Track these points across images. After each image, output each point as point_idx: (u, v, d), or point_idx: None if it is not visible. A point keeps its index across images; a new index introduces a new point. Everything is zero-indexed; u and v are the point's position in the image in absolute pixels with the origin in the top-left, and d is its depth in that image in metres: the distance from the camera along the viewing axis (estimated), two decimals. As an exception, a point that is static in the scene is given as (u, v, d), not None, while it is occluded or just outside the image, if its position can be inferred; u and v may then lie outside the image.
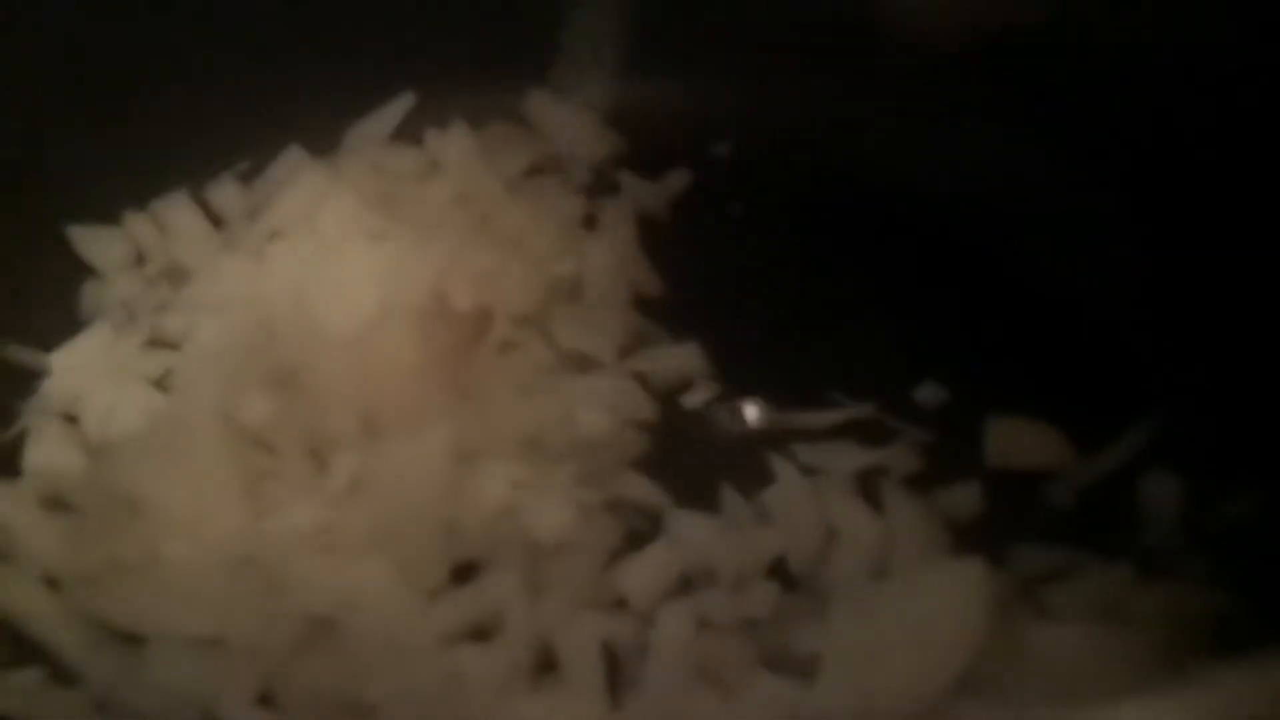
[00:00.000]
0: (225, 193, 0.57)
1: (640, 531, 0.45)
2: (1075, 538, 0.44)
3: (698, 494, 0.46)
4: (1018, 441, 0.47)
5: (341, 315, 0.47)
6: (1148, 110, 0.50)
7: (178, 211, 0.56)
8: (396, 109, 0.60)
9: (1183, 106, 0.48)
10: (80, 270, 0.54)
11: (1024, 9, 0.53)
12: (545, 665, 0.41)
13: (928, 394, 0.49)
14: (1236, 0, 0.46)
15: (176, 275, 0.54)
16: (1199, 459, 0.44)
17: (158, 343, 0.51)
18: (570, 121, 0.61)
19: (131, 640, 0.41)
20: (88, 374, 0.49)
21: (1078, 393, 0.48)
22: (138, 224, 0.55)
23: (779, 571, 0.44)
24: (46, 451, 0.47)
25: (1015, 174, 0.54)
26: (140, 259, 0.55)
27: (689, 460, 0.48)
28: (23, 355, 0.50)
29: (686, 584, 0.43)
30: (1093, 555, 0.43)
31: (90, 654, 0.41)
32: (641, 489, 0.46)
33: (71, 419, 0.48)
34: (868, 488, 0.46)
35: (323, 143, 0.59)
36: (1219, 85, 0.47)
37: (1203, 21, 0.47)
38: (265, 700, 0.40)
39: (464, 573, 0.43)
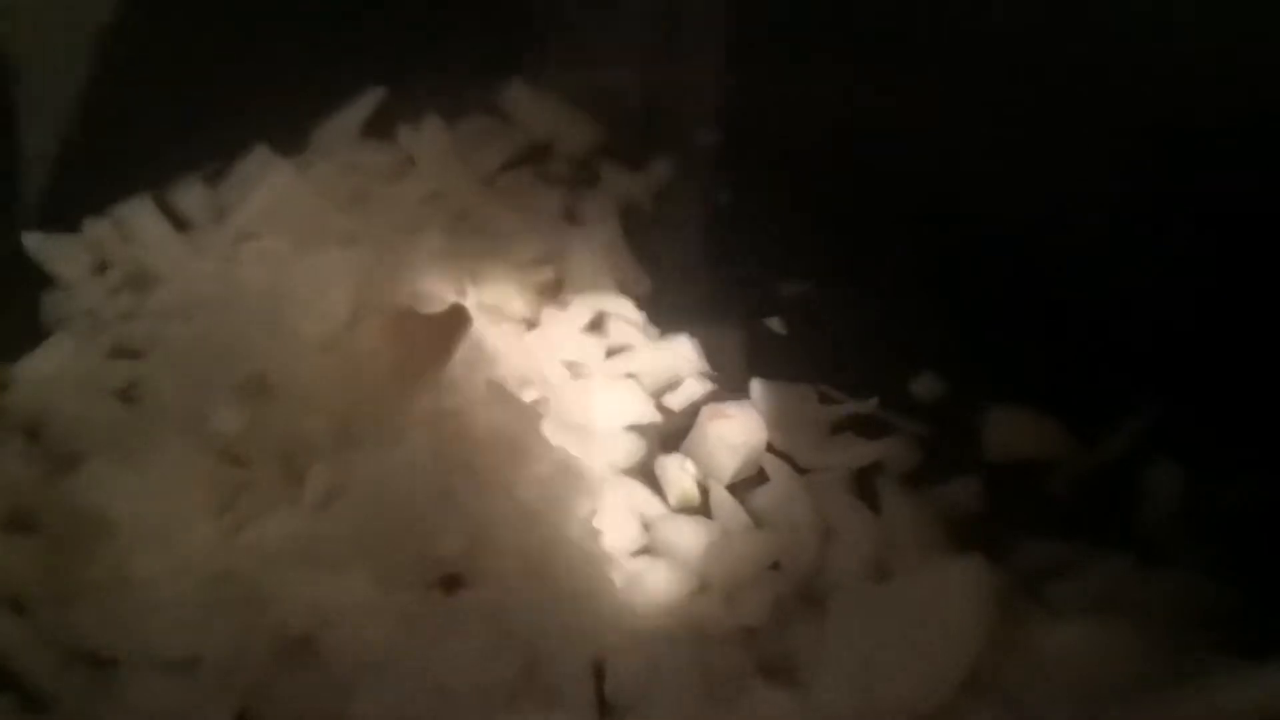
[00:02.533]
0: (190, 195, 0.57)
1: (632, 539, 0.45)
2: (1076, 530, 0.44)
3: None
4: (1017, 433, 0.47)
5: (313, 319, 0.46)
6: (1143, 95, 0.50)
7: (141, 216, 0.55)
8: (367, 104, 0.60)
9: (1180, 91, 0.48)
10: (40, 280, 0.53)
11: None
12: (533, 678, 0.40)
13: (925, 387, 0.49)
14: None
15: (141, 282, 0.53)
16: (1200, 447, 0.44)
17: (123, 353, 0.50)
18: (549, 112, 0.61)
19: (103, 663, 0.41)
20: (51, 387, 0.49)
21: (1077, 382, 0.48)
22: (99, 230, 0.55)
23: (775, 576, 0.43)
24: (9, 469, 0.46)
25: (1011, 163, 0.54)
26: (103, 266, 0.54)
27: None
28: (-18, 369, 0.49)
29: (681, 592, 0.43)
30: (1094, 548, 0.43)
31: (61, 679, 0.41)
32: (633, 494, 0.46)
33: (35, 434, 0.48)
34: (864, 485, 0.46)
35: (291, 141, 0.59)
36: (1221, 75, 0.47)
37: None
38: (243, 722, 0.40)
39: (447, 585, 0.43)
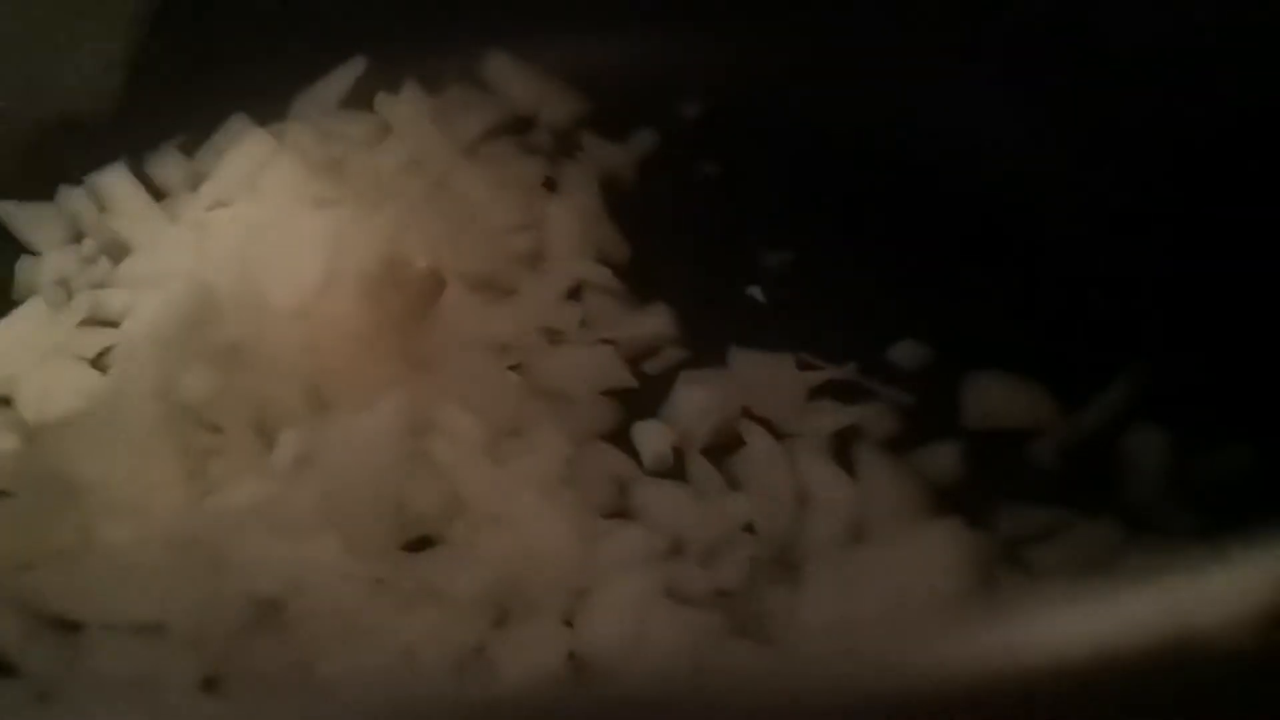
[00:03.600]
0: (167, 164, 0.57)
1: (607, 502, 0.45)
2: (1059, 497, 0.44)
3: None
4: (998, 399, 0.47)
5: (286, 285, 0.46)
6: (1130, 60, 0.50)
7: (116, 185, 0.55)
8: (347, 74, 0.60)
9: (1170, 58, 0.48)
10: (14, 247, 0.53)
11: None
12: (504, 639, 0.40)
13: (905, 353, 0.49)
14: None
15: (115, 251, 0.53)
16: (1184, 413, 0.44)
17: (95, 321, 0.50)
18: (530, 82, 0.61)
19: (71, 628, 0.41)
20: (22, 354, 0.49)
21: (1059, 347, 0.48)
22: (74, 199, 0.55)
23: (750, 539, 0.43)
24: (-22, 435, 0.46)
25: (993, 127, 0.54)
26: (77, 235, 0.54)
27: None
28: (-47, 336, 0.49)
29: (656, 555, 0.43)
30: (1078, 514, 0.43)
31: (28, 644, 0.41)
32: (608, 458, 0.46)
33: (5, 401, 0.48)
34: (842, 451, 0.46)
35: (270, 111, 0.58)
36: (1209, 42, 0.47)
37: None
38: (211, 686, 0.40)
39: (416, 549, 0.43)
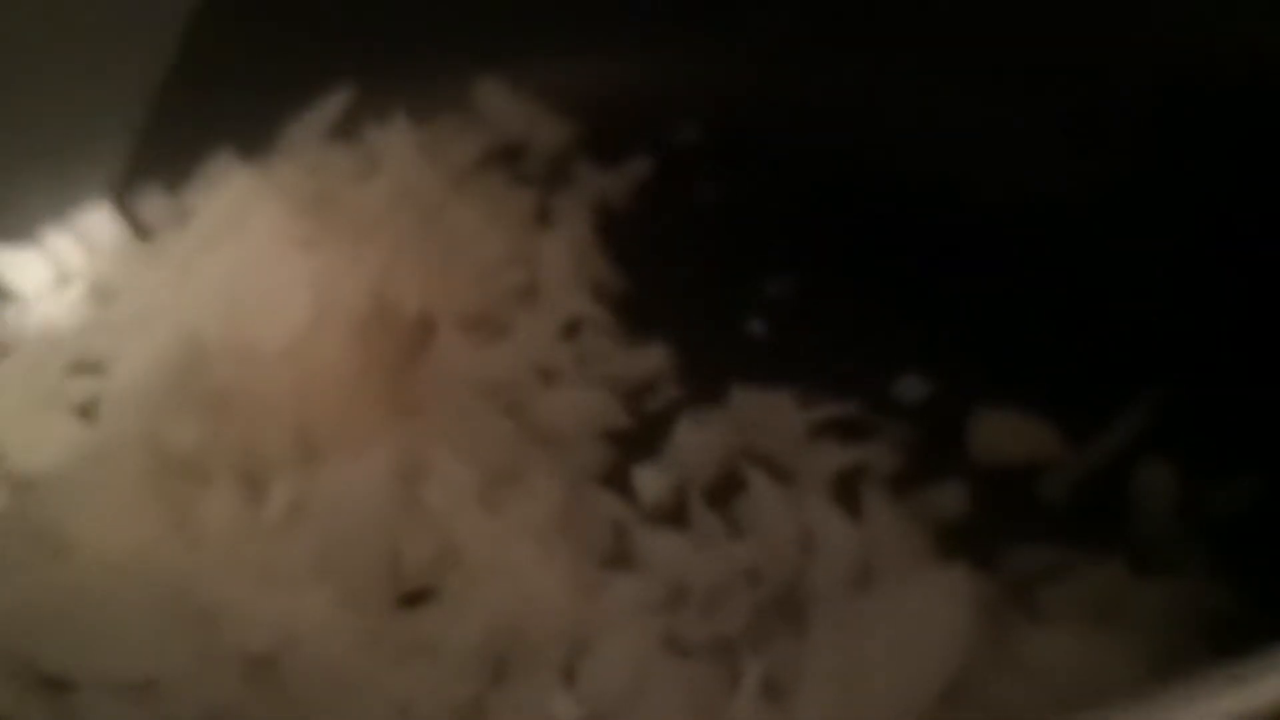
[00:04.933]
0: (152, 202, 0.57)
1: (605, 550, 0.45)
2: (1068, 535, 0.44)
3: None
4: (1004, 435, 0.47)
5: (273, 328, 0.47)
6: (1136, 76, 0.50)
7: (101, 225, 0.56)
8: (335, 104, 0.61)
9: (1175, 79, 0.48)
10: (-2, 293, 0.54)
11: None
12: (502, 693, 0.41)
13: (909, 388, 0.50)
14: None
15: (101, 294, 0.54)
16: (1195, 446, 0.44)
17: (82, 368, 0.51)
18: (522, 109, 0.61)
19: (63, 688, 0.41)
20: (7, 404, 0.49)
21: (1067, 382, 0.48)
22: (59, 241, 0.56)
23: (753, 585, 0.44)
24: (-37, 490, 0.47)
25: (997, 153, 0.54)
26: (63, 278, 0.55)
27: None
28: (-64, 387, 0.50)
29: (656, 602, 0.44)
30: (1087, 552, 0.43)
31: (17, 704, 0.41)
32: (606, 503, 0.46)
33: (-9, 453, 0.49)
34: (846, 491, 0.46)
35: (256, 144, 0.59)
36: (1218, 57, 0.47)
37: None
38: (205, 745, 0.40)
39: (411, 601, 0.43)
